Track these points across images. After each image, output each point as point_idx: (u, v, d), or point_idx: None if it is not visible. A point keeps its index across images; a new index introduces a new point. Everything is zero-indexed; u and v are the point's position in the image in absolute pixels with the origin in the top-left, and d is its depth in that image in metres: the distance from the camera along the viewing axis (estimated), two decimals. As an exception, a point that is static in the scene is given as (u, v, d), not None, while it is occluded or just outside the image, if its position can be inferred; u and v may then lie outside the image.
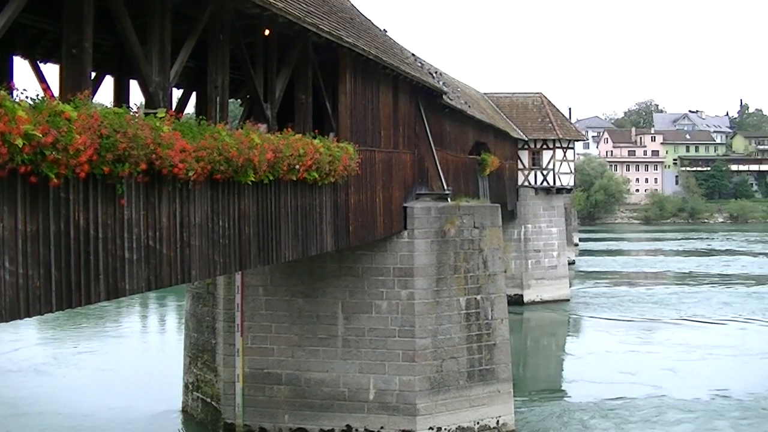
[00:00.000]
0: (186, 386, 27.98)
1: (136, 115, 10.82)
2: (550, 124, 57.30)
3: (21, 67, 25.70)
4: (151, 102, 12.37)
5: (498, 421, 25.22)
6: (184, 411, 28.12)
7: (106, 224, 10.42)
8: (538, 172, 56.70)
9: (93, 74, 14.84)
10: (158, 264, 11.78)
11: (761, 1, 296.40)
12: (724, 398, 30.86)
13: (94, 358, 38.21)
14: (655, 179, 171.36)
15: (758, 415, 28.95)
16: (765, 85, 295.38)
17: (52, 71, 17.85)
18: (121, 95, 17.71)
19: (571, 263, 70.66)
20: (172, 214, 12.02)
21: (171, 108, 12.64)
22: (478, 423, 24.84)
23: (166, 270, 12.01)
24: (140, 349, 41.81)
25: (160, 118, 11.25)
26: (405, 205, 24.95)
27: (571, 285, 59.13)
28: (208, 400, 26.22)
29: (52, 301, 9.44)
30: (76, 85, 10.71)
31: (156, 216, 11.62)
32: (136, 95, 28.49)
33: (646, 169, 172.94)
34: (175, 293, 50.55)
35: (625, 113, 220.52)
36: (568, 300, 55.67)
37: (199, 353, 26.76)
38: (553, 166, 56.74)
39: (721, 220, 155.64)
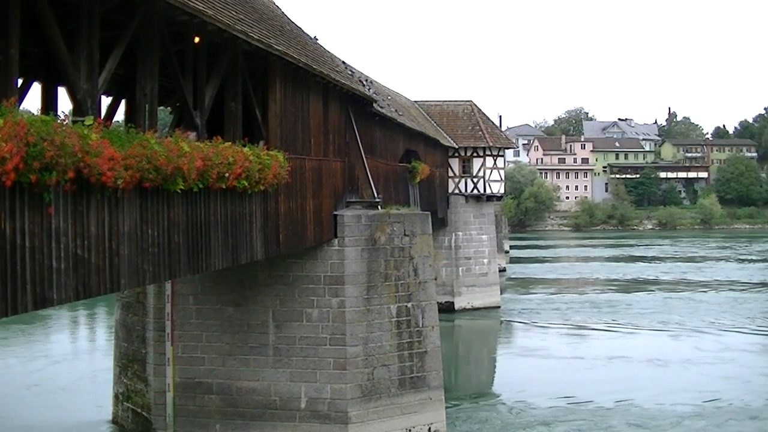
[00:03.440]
0: (116, 396, 27.69)
1: (64, 122, 10.71)
2: (480, 132, 57.61)
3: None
4: (79, 110, 12.24)
5: (429, 428, 25.32)
6: (114, 422, 27.82)
7: (33, 233, 10.27)
8: (469, 180, 57.02)
9: (20, 81, 14.70)
10: (87, 273, 11.63)
11: (688, 10, 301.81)
12: (658, 404, 31.24)
13: (21, 369, 37.62)
14: (585, 186, 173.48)
15: (679, 422, 29.39)
16: (693, 94, 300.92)
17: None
18: (49, 103, 17.52)
19: (502, 270, 71.24)
20: (100, 222, 11.90)
21: (99, 116, 12.55)
22: (409, 430, 24.91)
23: (95, 279, 11.87)
24: (69, 360, 41.17)
25: (88, 125, 11.14)
26: (335, 213, 24.97)
27: (502, 292, 59.53)
28: (139, 410, 25.98)
29: (-23, 311, 9.30)
30: (2, 92, 10.58)
31: (84, 224, 11.49)
32: (64, 103, 28.25)
33: (576, 177, 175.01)
34: (104, 303, 50.01)
35: (555, 121, 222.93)
36: (499, 307, 56.12)
37: (129, 363, 26.52)
38: (484, 173, 57.06)
39: (650, 226, 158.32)
